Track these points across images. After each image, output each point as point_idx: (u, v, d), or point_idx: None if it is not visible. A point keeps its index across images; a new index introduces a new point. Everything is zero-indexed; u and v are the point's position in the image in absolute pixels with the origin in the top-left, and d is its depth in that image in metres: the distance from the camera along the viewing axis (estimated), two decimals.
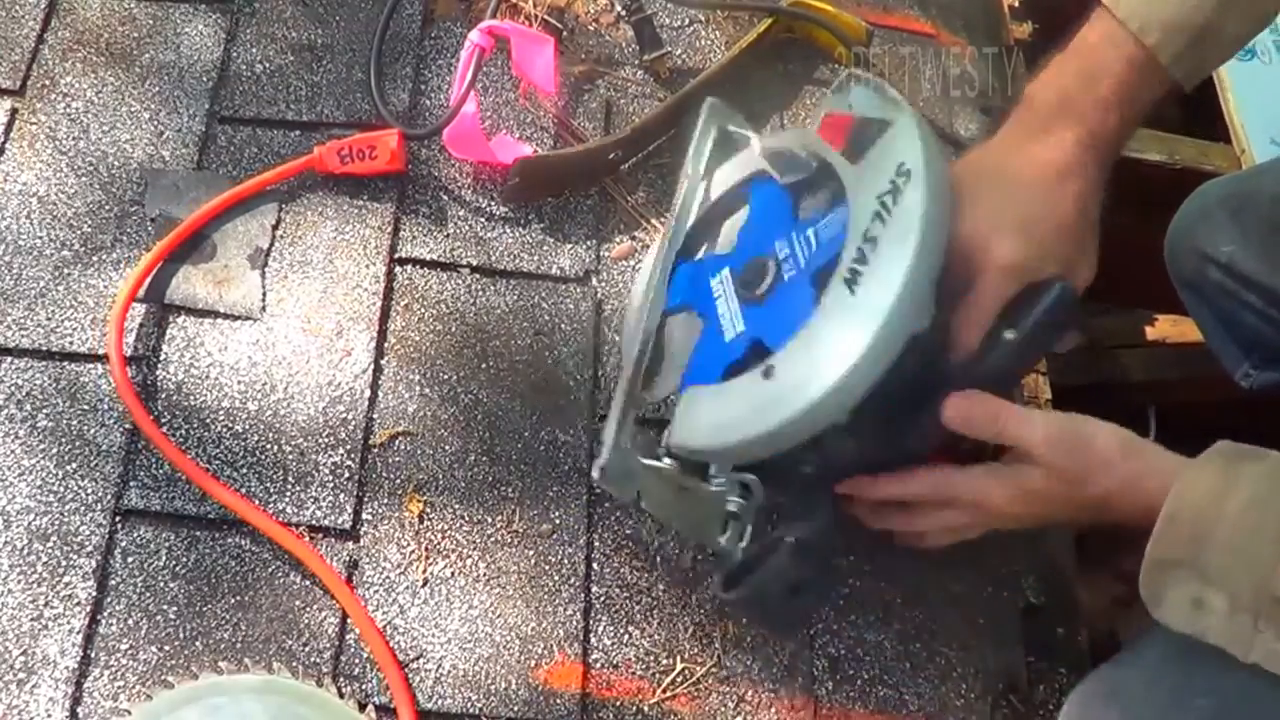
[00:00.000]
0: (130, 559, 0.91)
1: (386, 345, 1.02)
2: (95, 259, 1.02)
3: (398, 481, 0.96)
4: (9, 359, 0.97)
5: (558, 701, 0.90)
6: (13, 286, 1.00)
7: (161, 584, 0.91)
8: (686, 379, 0.87)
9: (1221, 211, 1.08)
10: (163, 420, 0.96)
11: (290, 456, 0.96)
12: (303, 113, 1.10)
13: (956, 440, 0.81)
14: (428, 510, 0.96)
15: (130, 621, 0.89)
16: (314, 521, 0.94)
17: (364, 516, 0.95)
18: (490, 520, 0.96)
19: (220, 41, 1.13)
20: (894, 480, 0.84)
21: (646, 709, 0.91)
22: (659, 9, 1.20)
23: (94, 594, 0.89)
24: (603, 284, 1.07)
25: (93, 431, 0.95)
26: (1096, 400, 1.35)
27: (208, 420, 0.97)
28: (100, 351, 0.98)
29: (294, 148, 1.08)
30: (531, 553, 0.95)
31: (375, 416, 0.99)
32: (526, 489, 0.97)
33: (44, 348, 0.98)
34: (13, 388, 0.96)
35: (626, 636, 0.93)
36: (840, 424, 0.77)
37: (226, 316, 1.01)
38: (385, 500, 0.96)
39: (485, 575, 0.94)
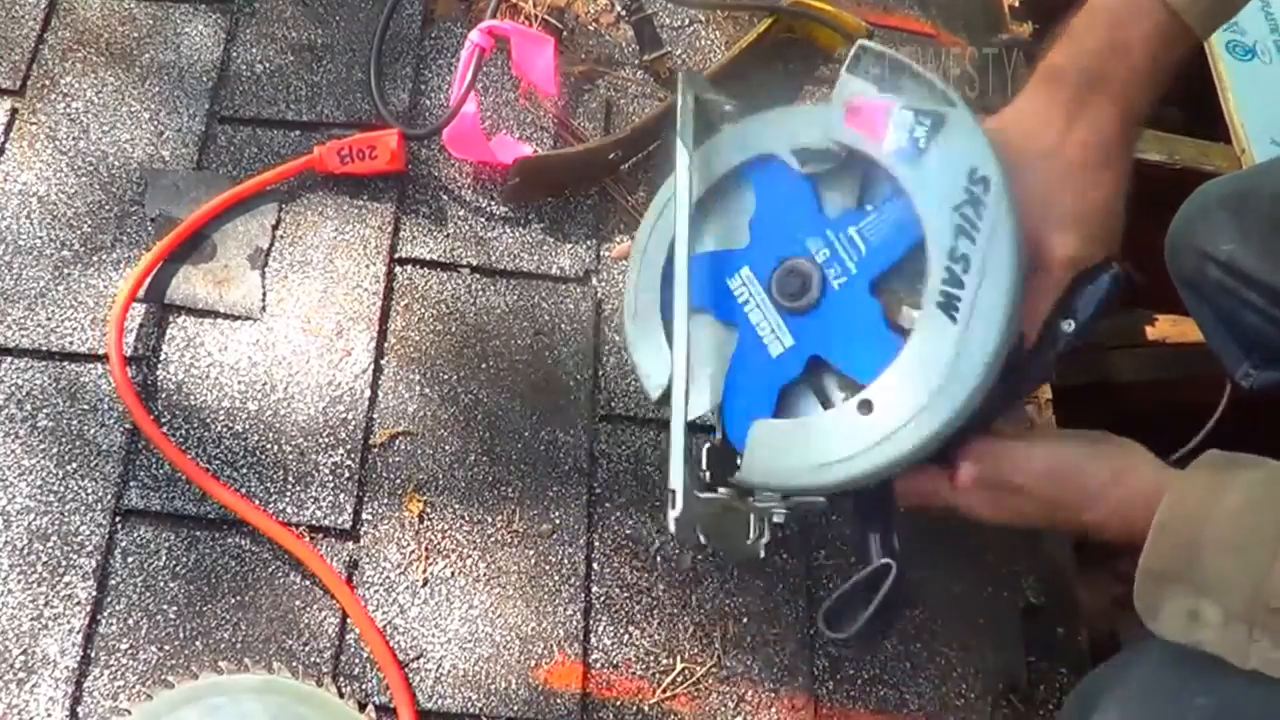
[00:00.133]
0: (130, 559, 0.91)
1: (386, 345, 1.02)
2: (95, 259, 1.02)
3: (398, 481, 0.96)
4: (9, 359, 0.97)
5: (558, 701, 0.90)
6: (13, 286, 1.00)
7: (161, 584, 0.91)
8: (731, 399, 0.81)
9: (1222, 210, 1.07)
10: (163, 420, 0.96)
11: (290, 456, 0.96)
12: (303, 113, 1.10)
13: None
14: (428, 510, 0.96)
15: (130, 621, 0.89)
16: (314, 521, 0.94)
17: (364, 516, 0.95)
18: (490, 520, 0.96)
19: (220, 41, 1.13)
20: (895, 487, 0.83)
21: (646, 709, 0.91)
22: (659, 9, 1.20)
23: (94, 594, 0.89)
24: (603, 284, 1.07)
25: (93, 431, 0.95)
26: (1096, 400, 1.35)
27: (208, 420, 0.97)
28: (100, 351, 0.98)
29: (294, 148, 1.08)
30: (531, 553, 0.95)
31: (375, 416, 0.99)
32: (526, 489, 0.97)
33: (44, 348, 0.98)
34: (13, 388, 0.96)
35: (626, 636, 0.93)
36: None
37: (226, 316, 1.01)
38: (385, 500, 0.96)
39: (485, 575, 0.94)
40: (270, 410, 0.98)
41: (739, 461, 0.79)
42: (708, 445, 0.75)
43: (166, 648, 0.89)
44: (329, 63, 1.13)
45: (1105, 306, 0.78)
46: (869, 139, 0.78)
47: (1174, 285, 1.14)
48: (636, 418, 1.01)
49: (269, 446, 0.96)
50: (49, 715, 0.85)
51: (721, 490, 0.78)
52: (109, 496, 0.93)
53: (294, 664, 0.89)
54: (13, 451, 0.94)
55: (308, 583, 0.92)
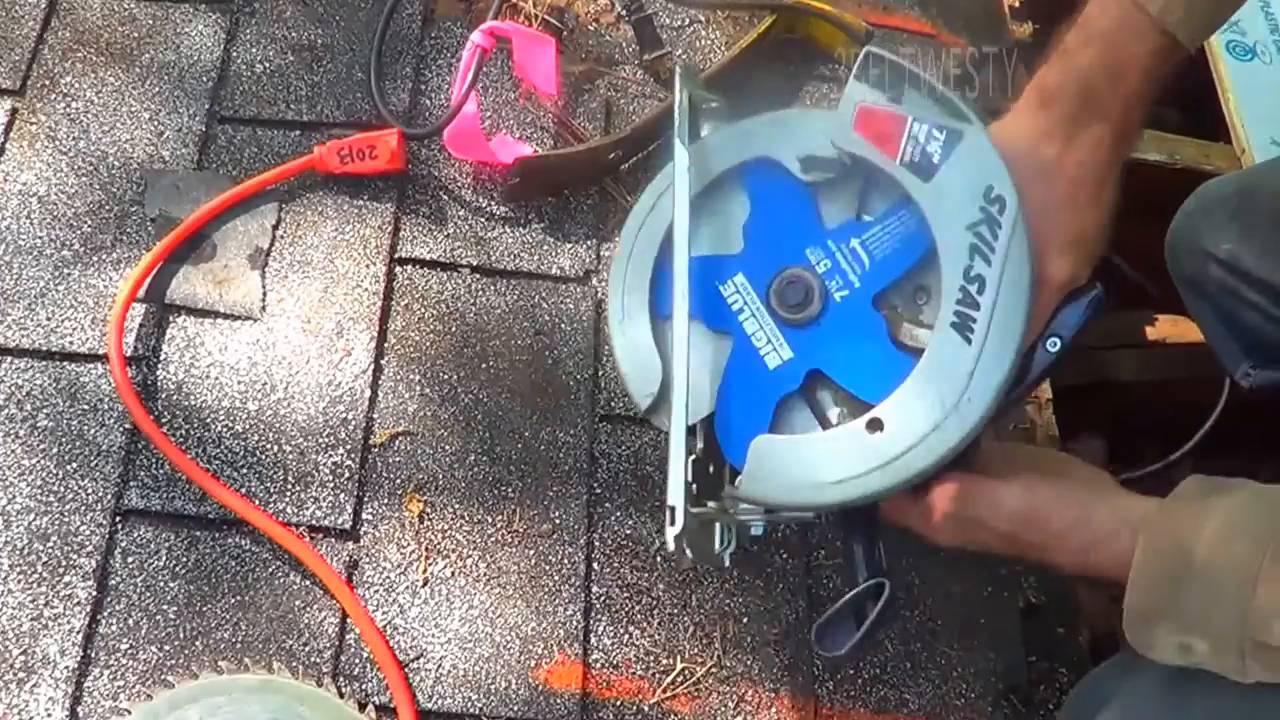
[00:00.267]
0: (130, 559, 0.91)
1: (386, 345, 1.02)
2: (95, 259, 1.02)
3: (398, 481, 0.96)
4: (9, 359, 0.97)
5: (558, 701, 0.90)
6: (13, 286, 1.00)
7: (161, 584, 0.91)
8: (724, 410, 0.79)
9: (1223, 209, 1.07)
10: (163, 420, 0.96)
11: (290, 456, 0.96)
12: (303, 113, 1.10)
13: None
14: (428, 510, 0.96)
15: (130, 621, 0.89)
16: (314, 521, 0.94)
17: (364, 516, 0.95)
18: (490, 520, 0.96)
19: (220, 41, 1.13)
20: None
21: (646, 709, 0.91)
22: (659, 9, 1.20)
23: (94, 594, 0.89)
24: (603, 284, 1.07)
25: (93, 431, 0.95)
26: (1096, 400, 1.35)
27: (208, 420, 0.97)
28: (100, 351, 0.98)
29: (294, 148, 1.08)
30: (531, 553, 0.95)
31: (375, 416, 0.99)
32: (526, 489, 0.97)
33: (44, 348, 0.98)
34: (13, 388, 0.96)
35: (626, 636, 0.93)
36: None
37: (226, 316, 1.01)
38: (385, 500, 0.96)
39: (485, 575, 0.94)
40: (270, 410, 0.98)
41: (728, 473, 0.78)
42: (693, 457, 0.74)
43: (166, 648, 0.89)
44: (329, 63, 1.13)
45: (1089, 324, 0.78)
46: (880, 150, 0.77)
47: (1174, 285, 1.14)
48: (636, 418, 1.01)
49: (269, 446, 0.96)
50: (49, 715, 0.85)
51: (710, 504, 0.77)
52: (109, 496, 0.93)
53: (294, 664, 0.89)
54: (13, 451, 0.94)
55: (308, 583, 0.92)
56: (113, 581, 0.91)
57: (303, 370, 1.00)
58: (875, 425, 0.74)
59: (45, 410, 0.96)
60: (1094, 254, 0.79)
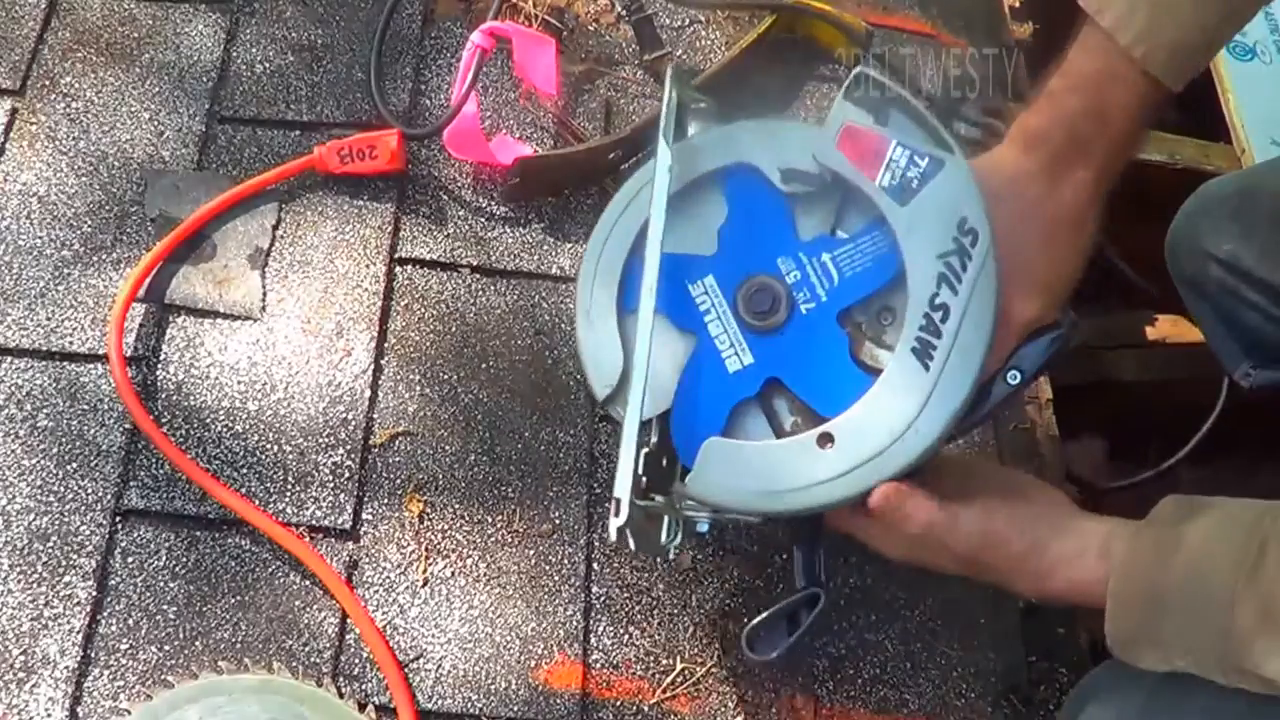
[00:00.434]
0: (130, 559, 0.91)
1: (386, 345, 1.02)
2: (95, 259, 1.02)
3: (398, 481, 0.96)
4: (9, 359, 0.97)
5: (558, 701, 0.90)
6: (13, 286, 1.00)
7: (161, 584, 0.91)
8: (680, 408, 0.80)
9: (1223, 209, 1.08)
10: (163, 420, 0.96)
11: (290, 456, 0.96)
12: (303, 113, 1.10)
13: None
14: (428, 510, 0.96)
15: (130, 621, 0.89)
16: (314, 521, 0.94)
17: (364, 516, 0.95)
18: (490, 520, 0.96)
19: (220, 41, 1.13)
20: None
21: (646, 709, 0.91)
22: (659, 9, 1.20)
23: (94, 594, 0.89)
24: None
25: (93, 431, 0.95)
26: (1096, 400, 1.35)
27: (208, 420, 0.97)
28: (100, 351, 0.98)
29: (294, 148, 1.08)
30: (531, 553, 0.95)
31: (375, 416, 0.99)
32: (526, 489, 0.97)
33: (44, 348, 0.98)
34: (13, 388, 0.96)
35: (626, 636, 0.93)
36: None
37: (226, 316, 1.01)
38: (385, 500, 0.96)
39: (485, 575, 0.94)
40: (270, 410, 0.98)
41: (678, 470, 0.78)
42: (645, 451, 0.75)
43: (166, 648, 0.89)
44: (329, 63, 1.13)
45: (1051, 363, 0.79)
46: (861, 170, 0.78)
47: (1174, 285, 1.14)
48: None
49: (269, 446, 0.96)
50: (49, 715, 0.85)
51: (658, 498, 0.77)
52: (109, 496, 0.93)
53: (294, 664, 0.89)
54: (13, 451, 0.94)
55: (308, 583, 0.92)
56: (113, 581, 0.91)
57: (303, 370, 1.00)
58: (826, 440, 0.75)
59: (45, 410, 0.96)
60: (1063, 296, 0.80)
